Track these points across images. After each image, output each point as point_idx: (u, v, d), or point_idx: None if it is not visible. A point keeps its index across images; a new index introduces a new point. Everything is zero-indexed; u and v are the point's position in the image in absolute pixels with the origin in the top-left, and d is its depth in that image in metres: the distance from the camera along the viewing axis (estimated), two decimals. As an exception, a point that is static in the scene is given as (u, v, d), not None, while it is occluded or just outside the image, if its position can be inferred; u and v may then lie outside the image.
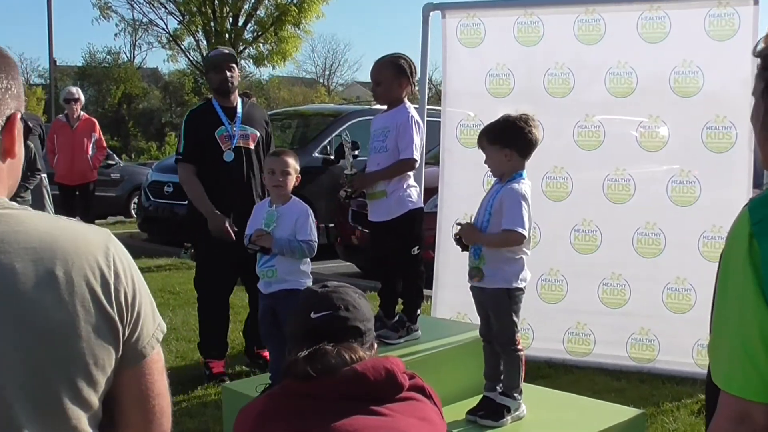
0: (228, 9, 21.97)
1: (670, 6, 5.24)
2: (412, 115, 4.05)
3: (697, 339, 5.10)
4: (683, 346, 5.18)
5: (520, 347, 3.59)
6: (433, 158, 6.95)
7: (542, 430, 3.65)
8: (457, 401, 3.71)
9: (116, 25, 26.33)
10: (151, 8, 23.78)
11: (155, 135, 41.46)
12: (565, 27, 5.46)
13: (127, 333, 1.36)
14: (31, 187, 8.04)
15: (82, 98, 9.63)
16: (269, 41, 22.32)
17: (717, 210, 5.04)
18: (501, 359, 3.63)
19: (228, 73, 5.20)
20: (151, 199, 11.17)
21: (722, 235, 4.81)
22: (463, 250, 3.65)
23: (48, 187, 8.89)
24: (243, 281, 5.34)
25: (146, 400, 1.42)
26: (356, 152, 8.13)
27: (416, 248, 4.07)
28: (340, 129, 10.35)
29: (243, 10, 22.23)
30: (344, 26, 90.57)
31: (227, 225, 4.97)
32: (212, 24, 22.01)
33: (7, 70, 1.35)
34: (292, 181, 4.21)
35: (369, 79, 4.30)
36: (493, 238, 3.51)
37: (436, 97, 8.16)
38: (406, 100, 4.13)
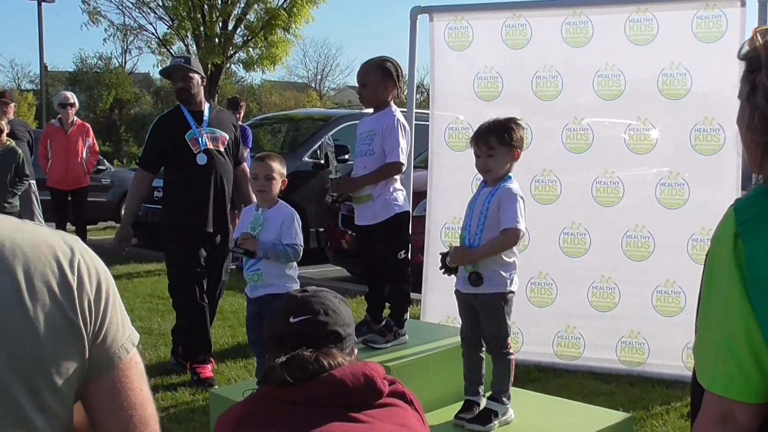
0: (218, 13, 21.89)
1: (658, 8, 5.24)
2: (398, 119, 4.02)
3: (686, 342, 5.07)
4: (673, 349, 5.16)
5: (511, 351, 3.57)
6: (422, 162, 6.93)
7: (530, 434, 3.63)
8: (443, 406, 3.69)
9: (105, 30, 26.25)
10: (140, 13, 23.69)
11: (147, 140, 41.35)
12: (552, 29, 5.45)
13: (93, 340, 1.31)
14: (19, 193, 7.99)
15: (77, 103, 9.57)
16: (259, 45, 22.25)
17: (706, 212, 5.01)
18: (483, 363, 3.61)
19: (183, 83, 5.31)
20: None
21: (711, 237, 4.79)
22: (450, 275, 3.61)
23: (37, 192, 8.83)
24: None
25: (123, 411, 1.35)
26: (346, 156, 8.16)
27: (403, 252, 4.04)
28: (331, 133, 10.34)
29: (233, 15, 22.15)
30: (336, 31, 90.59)
31: (125, 241, 5.50)
32: (202, 29, 21.93)
33: None
34: (278, 185, 4.20)
35: (359, 83, 4.27)
36: (489, 247, 3.46)
37: (427, 102, 8.15)
38: (392, 103, 4.10)
